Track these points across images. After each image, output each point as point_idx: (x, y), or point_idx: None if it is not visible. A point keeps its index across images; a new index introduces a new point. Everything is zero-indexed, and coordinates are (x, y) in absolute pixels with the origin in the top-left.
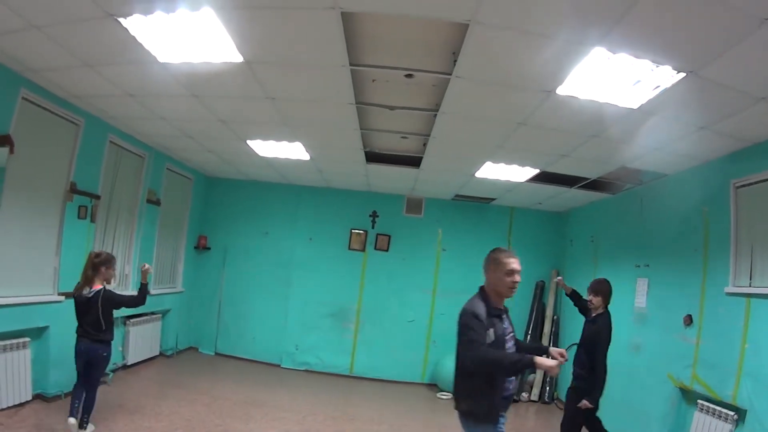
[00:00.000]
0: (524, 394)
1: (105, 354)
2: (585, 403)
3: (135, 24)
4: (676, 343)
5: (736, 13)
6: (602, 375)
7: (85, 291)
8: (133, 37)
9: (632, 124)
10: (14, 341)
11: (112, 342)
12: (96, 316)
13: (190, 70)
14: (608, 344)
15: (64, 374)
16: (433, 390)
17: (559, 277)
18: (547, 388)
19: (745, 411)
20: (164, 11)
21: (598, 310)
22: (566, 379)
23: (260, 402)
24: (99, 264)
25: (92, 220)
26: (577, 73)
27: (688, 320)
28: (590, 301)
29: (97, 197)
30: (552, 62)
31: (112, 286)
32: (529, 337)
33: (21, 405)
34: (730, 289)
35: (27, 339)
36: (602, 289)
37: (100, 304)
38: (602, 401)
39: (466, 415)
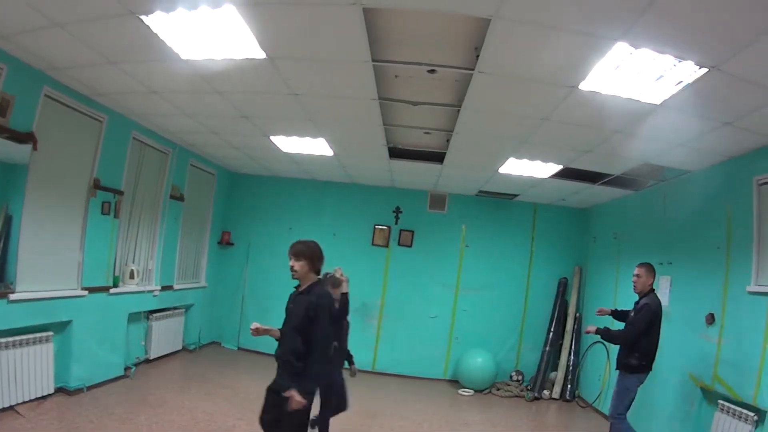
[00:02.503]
0: (545, 392)
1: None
2: (296, 398)
3: (157, 21)
4: (698, 342)
5: (759, 6)
6: (322, 359)
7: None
8: (156, 35)
9: (655, 119)
10: (38, 335)
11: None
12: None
13: (213, 67)
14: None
15: (86, 368)
16: (454, 386)
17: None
18: (569, 386)
19: (765, 412)
20: (186, 8)
21: (308, 280)
22: (590, 378)
23: None
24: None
25: (116, 216)
26: (599, 68)
27: (710, 319)
28: (292, 266)
29: (121, 193)
30: (575, 57)
31: (136, 282)
32: (551, 333)
33: (43, 398)
34: (752, 287)
35: (50, 333)
36: (306, 250)
37: None
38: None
39: None
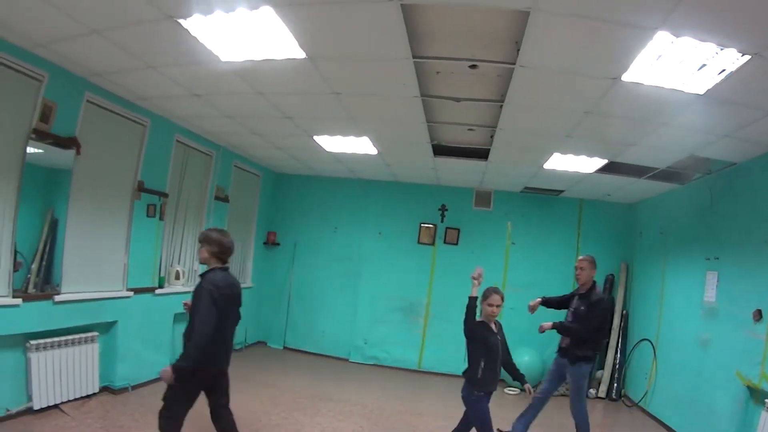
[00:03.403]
0: (591, 391)
1: (462, 394)
2: (166, 369)
3: (195, 25)
4: (746, 339)
5: None
6: (197, 341)
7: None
8: (195, 38)
9: (699, 110)
10: (83, 335)
11: (474, 382)
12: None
13: (253, 68)
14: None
15: (132, 368)
16: (501, 385)
17: None
18: (615, 385)
19: None
20: (223, 11)
21: (209, 265)
22: (637, 377)
23: (327, 396)
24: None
25: (161, 218)
26: (641, 58)
27: (758, 315)
28: (200, 250)
29: (165, 195)
30: (616, 48)
31: (182, 282)
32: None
33: (88, 397)
34: None
35: (95, 333)
36: (208, 237)
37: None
38: (668, 400)
39: None
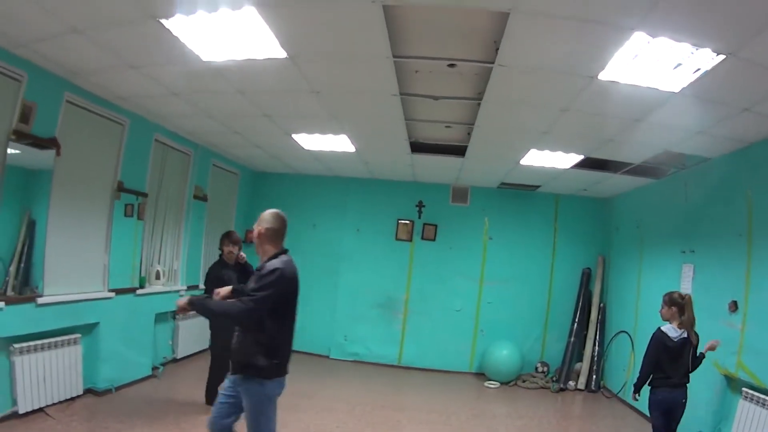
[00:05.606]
0: (571, 383)
1: (684, 400)
2: None
3: (177, 24)
4: (722, 329)
5: None
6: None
7: (675, 333)
8: (176, 38)
9: (674, 107)
10: (66, 337)
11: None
12: (685, 361)
13: (234, 67)
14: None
15: (115, 369)
16: (480, 379)
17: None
18: (594, 377)
19: None
20: (206, 11)
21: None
22: (615, 368)
23: (309, 393)
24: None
25: (140, 218)
26: (618, 58)
27: (733, 306)
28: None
29: (144, 195)
30: (593, 48)
31: (162, 282)
32: (576, 324)
33: (72, 399)
34: None
35: (78, 335)
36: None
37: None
38: (646, 390)
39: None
